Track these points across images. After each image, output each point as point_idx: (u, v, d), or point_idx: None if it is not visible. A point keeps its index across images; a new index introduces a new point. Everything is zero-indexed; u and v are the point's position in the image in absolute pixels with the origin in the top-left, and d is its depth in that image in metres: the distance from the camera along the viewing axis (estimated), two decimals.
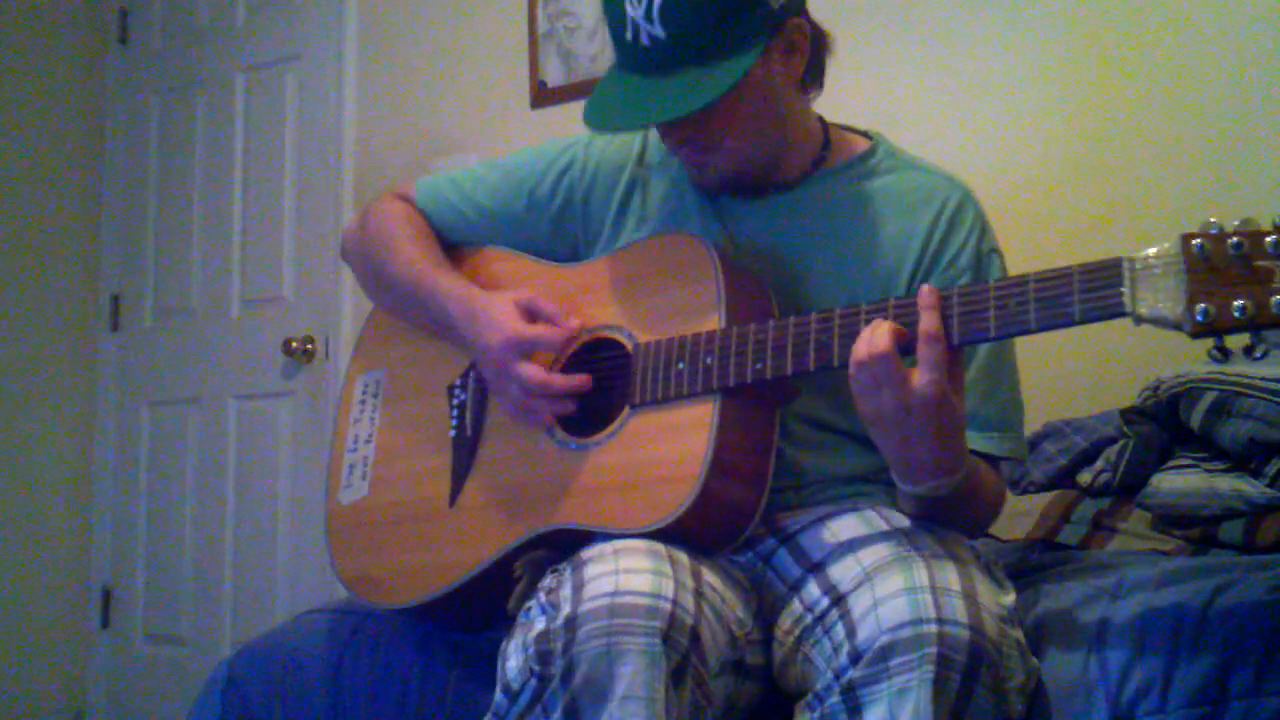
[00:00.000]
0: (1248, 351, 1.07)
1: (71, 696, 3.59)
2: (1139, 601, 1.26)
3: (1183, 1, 2.35)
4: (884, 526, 1.29)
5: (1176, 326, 1.07)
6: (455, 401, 1.52)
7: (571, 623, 1.13)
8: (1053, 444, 2.03)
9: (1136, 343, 1.69)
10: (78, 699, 3.60)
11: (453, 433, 1.51)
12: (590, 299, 1.46)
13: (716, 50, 1.31)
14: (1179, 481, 1.75)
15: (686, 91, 1.32)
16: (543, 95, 3.08)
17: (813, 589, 1.25)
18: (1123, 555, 1.64)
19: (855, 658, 1.12)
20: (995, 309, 1.17)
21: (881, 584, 1.16)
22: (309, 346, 3.32)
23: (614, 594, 1.14)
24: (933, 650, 1.09)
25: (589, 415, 1.40)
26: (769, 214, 1.46)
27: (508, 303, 1.44)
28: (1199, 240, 1.06)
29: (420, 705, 1.44)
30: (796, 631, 1.23)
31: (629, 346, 1.40)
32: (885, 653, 1.10)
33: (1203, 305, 1.05)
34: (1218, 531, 1.68)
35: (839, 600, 1.19)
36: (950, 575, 1.16)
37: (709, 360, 1.32)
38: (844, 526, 1.31)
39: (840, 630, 1.16)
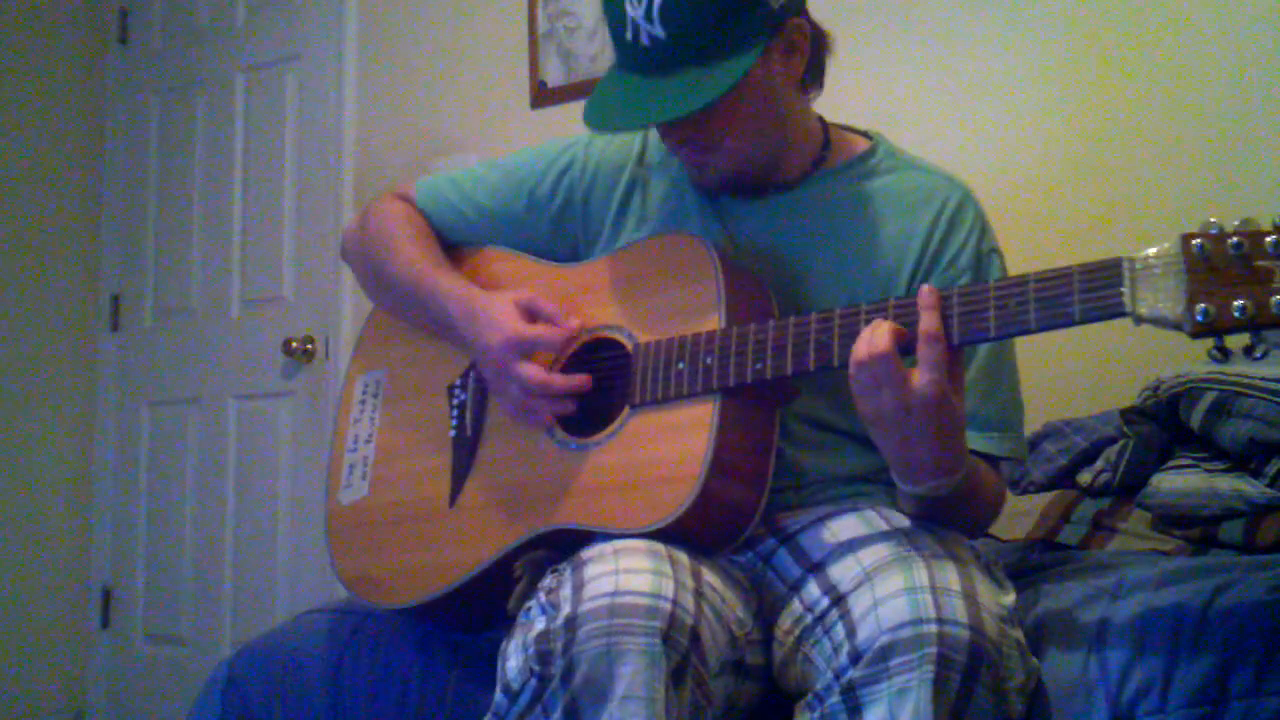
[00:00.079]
0: (1248, 351, 1.07)
1: (71, 696, 3.59)
2: (1139, 601, 1.26)
3: (1183, 1, 2.35)
4: (884, 526, 1.29)
5: (1176, 326, 1.07)
6: (455, 401, 1.52)
7: (571, 623, 1.13)
8: (1053, 444, 2.03)
9: (1136, 343, 1.69)
10: (78, 699, 3.60)
11: (453, 433, 1.51)
12: (590, 299, 1.46)
13: (716, 50, 1.31)
14: (1179, 481, 1.75)
15: (686, 91, 1.32)
16: (543, 95, 3.08)
17: (813, 589, 1.25)
18: (1123, 555, 1.64)
19: (855, 658, 1.12)
20: (995, 309, 1.17)
21: (881, 584, 1.16)
22: (309, 346, 3.31)
23: (614, 594, 1.14)
24: (933, 650, 1.09)
25: (589, 415, 1.40)
26: (769, 214, 1.46)
27: (508, 303, 1.44)
28: (1199, 240, 1.06)
29: (420, 705, 1.44)
30: (796, 631, 1.23)
31: (629, 346, 1.40)
32: (885, 653, 1.10)
33: (1203, 305, 1.05)
34: (1218, 531, 1.68)
35: (839, 600, 1.19)
36: (950, 575, 1.16)
37: (709, 360, 1.32)
38: (844, 526, 1.31)
39: (840, 630, 1.16)
